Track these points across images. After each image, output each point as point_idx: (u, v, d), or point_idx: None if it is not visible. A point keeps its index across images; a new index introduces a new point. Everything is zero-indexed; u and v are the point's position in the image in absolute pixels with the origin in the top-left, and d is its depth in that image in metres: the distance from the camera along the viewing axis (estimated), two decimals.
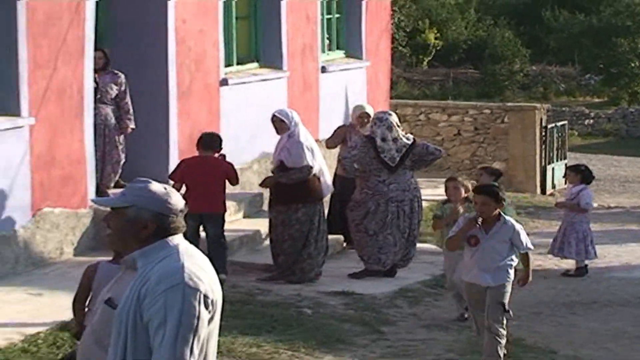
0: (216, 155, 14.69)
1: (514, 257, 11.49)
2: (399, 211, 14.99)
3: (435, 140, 23.55)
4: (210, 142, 14.74)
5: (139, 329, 5.55)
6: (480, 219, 11.40)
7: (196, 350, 5.54)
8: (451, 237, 11.93)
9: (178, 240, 5.80)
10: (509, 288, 11.40)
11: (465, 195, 13.62)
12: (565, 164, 24.08)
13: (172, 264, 5.63)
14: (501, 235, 11.45)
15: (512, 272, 11.41)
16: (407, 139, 15.17)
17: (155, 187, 5.91)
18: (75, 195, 14.73)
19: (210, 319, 5.65)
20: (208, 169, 14.57)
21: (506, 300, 11.29)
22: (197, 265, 5.70)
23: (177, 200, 5.87)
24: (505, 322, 11.27)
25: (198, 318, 5.53)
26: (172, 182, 14.23)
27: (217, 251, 14.24)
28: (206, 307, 5.59)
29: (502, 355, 11.20)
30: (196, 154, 15.02)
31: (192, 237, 14.28)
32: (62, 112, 14.46)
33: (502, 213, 11.80)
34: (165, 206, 5.83)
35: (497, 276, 11.34)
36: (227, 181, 14.63)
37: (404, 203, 15.01)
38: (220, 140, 14.84)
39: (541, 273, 16.33)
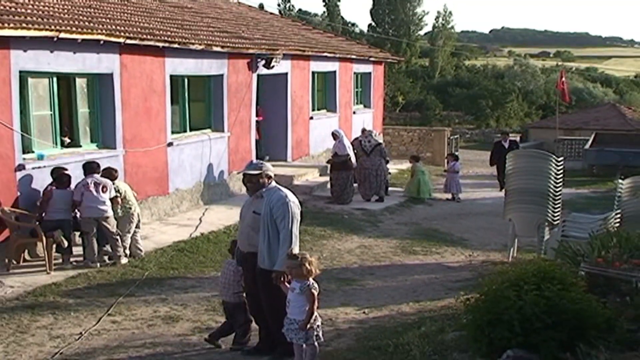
0: None
1: None
2: (370, 173, 14.36)
3: (401, 143, 23.29)
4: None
5: (272, 222, 5.49)
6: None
7: (297, 227, 5.51)
8: None
9: (275, 184, 5.73)
10: None
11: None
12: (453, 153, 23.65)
13: (281, 194, 5.59)
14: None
15: None
16: (377, 141, 14.62)
17: (267, 164, 5.81)
18: None
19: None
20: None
21: None
22: (289, 192, 5.64)
23: (271, 169, 5.79)
24: None
25: (296, 214, 5.52)
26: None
27: None
28: (299, 209, 5.60)
29: None
30: (300, 147, 14.71)
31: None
32: (242, 131, 14.12)
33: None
34: (270, 171, 5.74)
35: None
36: None
37: (372, 169, 14.33)
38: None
39: (446, 201, 15.87)
